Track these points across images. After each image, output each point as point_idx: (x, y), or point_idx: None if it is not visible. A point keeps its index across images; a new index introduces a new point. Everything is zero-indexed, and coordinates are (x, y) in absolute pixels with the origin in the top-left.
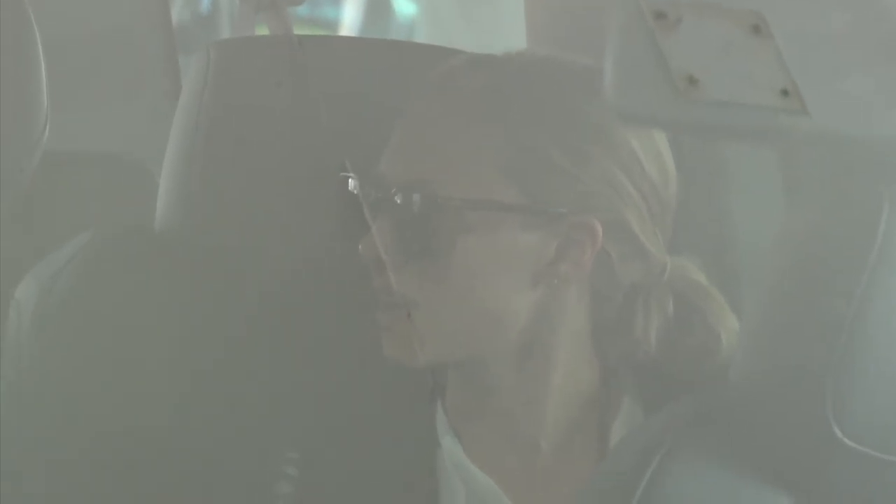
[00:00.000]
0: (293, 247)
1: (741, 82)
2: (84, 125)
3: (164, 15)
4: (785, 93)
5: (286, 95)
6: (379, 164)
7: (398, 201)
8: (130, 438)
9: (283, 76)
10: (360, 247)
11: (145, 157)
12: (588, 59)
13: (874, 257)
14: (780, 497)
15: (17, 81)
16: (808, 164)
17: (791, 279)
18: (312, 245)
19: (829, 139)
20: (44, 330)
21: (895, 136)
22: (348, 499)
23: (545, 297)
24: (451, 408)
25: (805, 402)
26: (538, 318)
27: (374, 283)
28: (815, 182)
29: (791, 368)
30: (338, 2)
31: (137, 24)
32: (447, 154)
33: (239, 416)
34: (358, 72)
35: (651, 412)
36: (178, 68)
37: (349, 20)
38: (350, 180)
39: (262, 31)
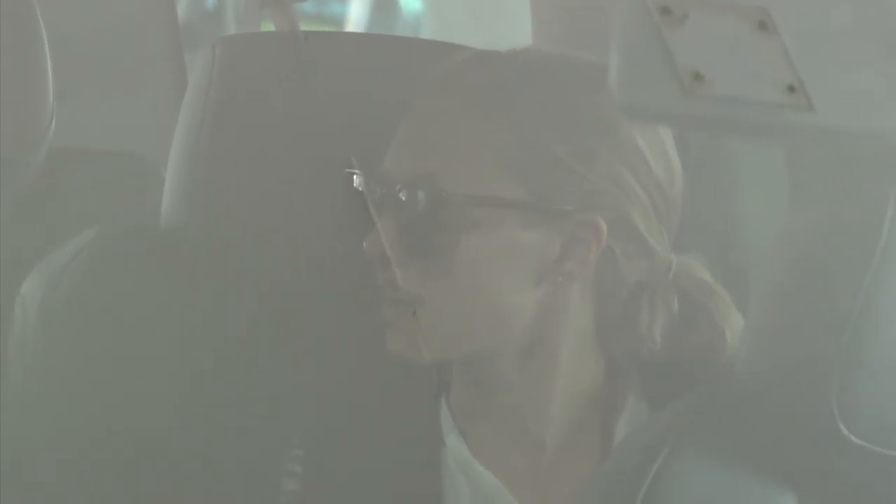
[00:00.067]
0: (298, 243)
1: (747, 78)
2: (89, 121)
3: (170, 11)
4: (791, 89)
5: (292, 92)
6: (384, 161)
7: (403, 198)
8: (136, 435)
9: (289, 73)
10: (364, 243)
11: (151, 154)
12: (593, 55)
13: (879, 254)
14: (785, 495)
15: (22, 77)
16: (814, 161)
17: (796, 276)
18: (317, 241)
19: (834, 135)
20: (49, 326)
21: None
22: (353, 496)
23: (550, 294)
24: (456, 405)
25: (811, 400)
26: (542, 316)
27: (379, 279)
28: (821, 179)
29: (796, 366)
30: None
31: (143, 20)
32: (452, 151)
33: (244, 413)
34: (364, 68)
35: (656, 410)
36: (184, 65)
37: (355, 16)
38: (355, 177)
39: (268, 27)
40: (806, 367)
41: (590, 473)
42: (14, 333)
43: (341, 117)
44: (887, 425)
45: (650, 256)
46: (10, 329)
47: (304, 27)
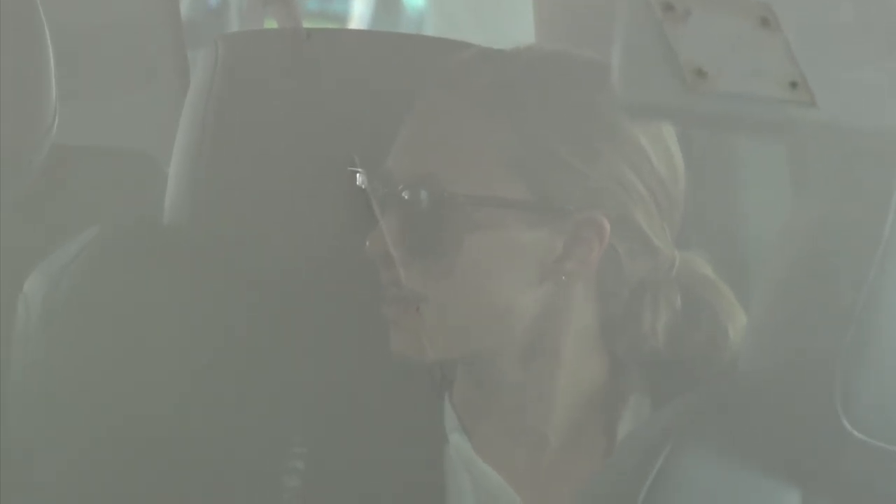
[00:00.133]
0: (301, 241)
1: (750, 75)
2: (92, 119)
3: (173, 8)
4: (793, 85)
5: (294, 89)
6: (387, 160)
7: (406, 197)
8: (137, 433)
9: (292, 70)
10: (367, 242)
11: (154, 151)
12: (596, 53)
13: (882, 250)
14: (788, 490)
15: (25, 75)
16: (817, 157)
17: (799, 272)
18: (320, 240)
19: (837, 132)
20: (52, 324)
21: None
22: (355, 494)
23: (552, 293)
24: (459, 403)
25: (814, 395)
26: (545, 315)
27: (382, 277)
28: (823, 175)
29: (800, 361)
30: None
31: (146, 17)
32: (455, 149)
33: (247, 411)
34: (367, 65)
35: (659, 407)
36: (187, 62)
37: (358, 13)
38: (358, 175)
39: (271, 24)
40: (809, 364)
41: (593, 471)
42: (17, 331)
43: (344, 115)
44: (890, 421)
45: (653, 254)
46: (12, 327)
47: (306, 24)
